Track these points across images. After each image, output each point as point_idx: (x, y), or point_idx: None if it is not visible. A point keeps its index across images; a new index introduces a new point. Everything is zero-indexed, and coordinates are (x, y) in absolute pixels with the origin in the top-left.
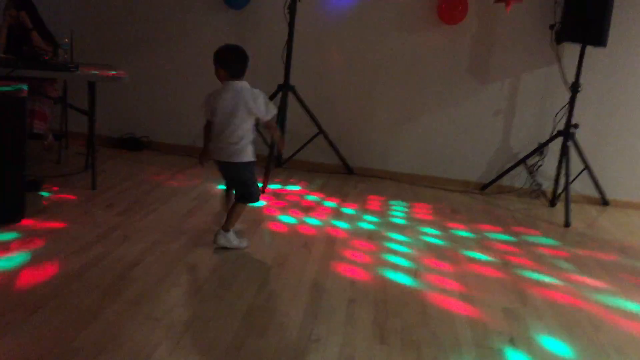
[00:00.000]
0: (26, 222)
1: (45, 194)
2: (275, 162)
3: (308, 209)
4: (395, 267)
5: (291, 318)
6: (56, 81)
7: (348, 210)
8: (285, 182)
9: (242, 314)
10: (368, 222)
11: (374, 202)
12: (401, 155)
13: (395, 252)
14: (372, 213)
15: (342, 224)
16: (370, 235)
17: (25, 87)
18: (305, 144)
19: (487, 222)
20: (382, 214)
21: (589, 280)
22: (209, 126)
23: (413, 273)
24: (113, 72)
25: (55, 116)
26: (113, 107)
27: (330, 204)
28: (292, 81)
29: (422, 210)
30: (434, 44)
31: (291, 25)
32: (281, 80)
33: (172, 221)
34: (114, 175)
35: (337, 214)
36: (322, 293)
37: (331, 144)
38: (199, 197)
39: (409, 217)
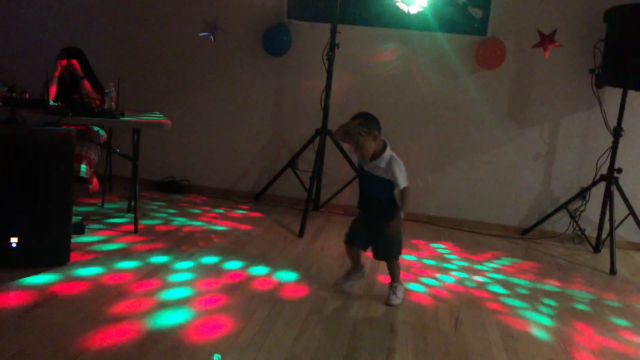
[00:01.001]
0: (71, 264)
1: (91, 238)
2: (313, 205)
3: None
4: (437, 314)
5: None
6: (102, 127)
7: None
8: (322, 226)
9: None
10: (403, 265)
11: (416, 245)
12: (439, 199)
13: (438, 300)
14: (413, 256)
15: (380, 269)
16: (411, 278)
17: (73, 133)
18: (342, 188)
19: (530, 267)
20: (423, 257)
21: None
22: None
23: (454, 320)
24: (156, 119)
25: (100, 160)
26: (155, 151)
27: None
28: (330, 125)
29: (461, 255)
30: (472, 88)
31: (329, 71)
32: (319, 125)
33: (208, 264)
34: (155, 218)
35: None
36: (362, 340)
37: None
38: (236, 241)
39: (451, 261)
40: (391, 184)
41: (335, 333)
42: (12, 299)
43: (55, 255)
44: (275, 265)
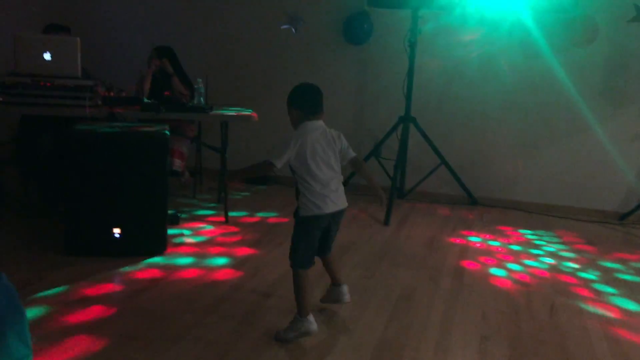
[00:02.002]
0: (167, 253)
1: (186, 231)
2: (397, 193)
3: (432, 241)
4: (529, 302)
5: (421, 352)
6: (193, 122)
7: (474, 238)
8: (407, 214)
9: (371, 348)
10: (497, 253)
11: (503, 232)
12: (529, 184)
13: (528, 286)
14: (501, 243)
15: (468, 257)
16: (499, 265)
17: (167, 128)
18: (427, 175)
19: (629, 253)
20: (511, 243)
21: None
22: (270, 167)
23: (549, 307)
24: (243, 112)
25: (191, 154)
26: (241, 143)
27: (454, 236)
28: (413, 113)
29: (559, 240)
30: (560, 70)
31: (411, 58)
32: (402, 113)
33: None
34: (244, 208)
35: (463, 246)
36: (452, 327)
37: (454, 174)
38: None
39: (539, 247)
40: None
41: (426, 319)
42: (117, 285)
43: (154, 245)
44: (362, 253)
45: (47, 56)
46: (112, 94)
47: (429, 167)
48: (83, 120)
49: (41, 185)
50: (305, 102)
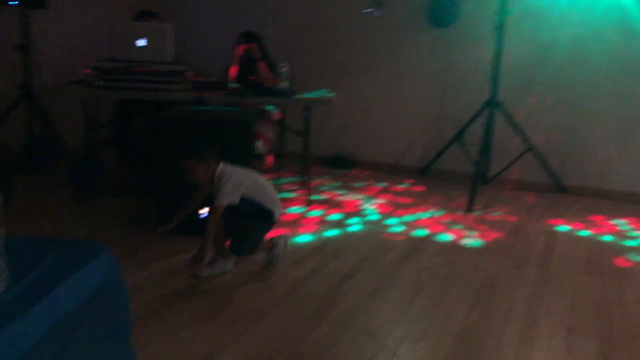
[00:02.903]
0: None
1: None
2: (482, 179)
3: (517, 229)
4: (621, 294)
5: (505, 342)
6: (277, 106)
7: (563, 227)
8: (491, 201)
9: (452, 336)
10: (586, 243)
11: (594, 222)
12: (623, 172)
13: (620, 279)
14: (592, 233)
15: (556, 246)
16: (589, 258)
17: (252, 113)
18: (513, 162)
19: None
20: (602, 234)
21: None
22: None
23: None
24: (326, 96)
25: (274, 138)
26: (324, 127)
27: (541, 224)
28: (501, 97)
29: None
30: None
31: (499, 41)
32: (487, 98)
33: (378, 238)
34: (326, 192)
35: (550, 235)
36: (538, 318)
37: (541, 160)
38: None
39: (633, 239)
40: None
41: (510, 308)
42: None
43: None
44: (444, 239)
45: (141, 43)
46: (201, 78)
47: (515, 153)
48: (174, 104)
49: (134, 167)
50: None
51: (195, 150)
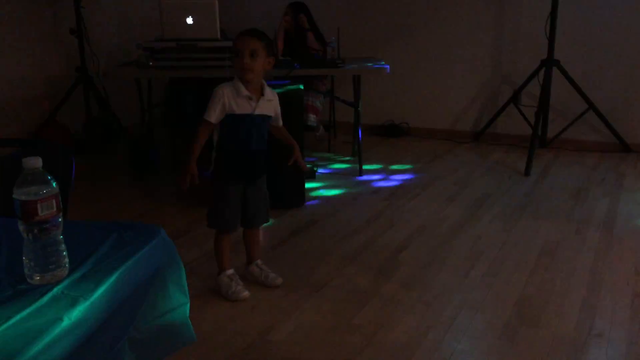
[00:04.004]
0: (306, 206)
1: (320, 183)
2: (539, 142)
3: (579, 192)
4: None
5: (566, 309)
6: (325, 77)
7: (626, 189)
8: (550, 164)
9: (511, 304)
10: None
11: None
12: None
13: None
14: None
15: (620, 208)
16: None
17: (301, 85)
18: (573, 122)
19: None
20: None
21: None
22: None
23: None
24: (375, 65)
25: (324, 108)
26: (374, 96)
27: (603, 186)
28: (557, 55)
29: None
30: None
31: None
32: (543, 56)
33: (433, 207)
34: (378, 161)
35: (613, 197)
36: (601, 285)
37: (603, 119)
38: (458, 182)
39: None
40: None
41: (571, 275)
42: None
43: (293, 198)
44: (500, 206)
45: (189, 20)
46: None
47: (575, 113)
48: (223, 80)
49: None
50: None
51: (269, 40)
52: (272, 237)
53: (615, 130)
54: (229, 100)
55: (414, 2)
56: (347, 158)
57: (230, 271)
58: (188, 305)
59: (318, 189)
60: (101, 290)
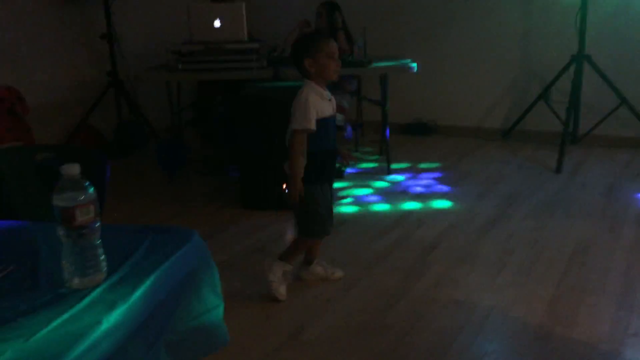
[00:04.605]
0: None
1: (349, 183)
2: (571, 138)
3: (611, 189)
4: None
5: (601, 309)
6: (353, 76)
7: None
8: (582, 160)
9: (545, 303)
10: None
11: None
12: None
13: None
14: None
15: None
16: None
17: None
18: (605, 117)
19: None
20: None
21: None
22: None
23: None
24: (402, 64)
25: (352, 108)
26: (402, 94)
27: (637, 182)
28: (588, 50)
29: None
30: None
31: None
32: (574, 50)
33: (463, 205)
34: (406, 160)
35: None
36: (636, 283)
37: (636, 114)
38: (488, 179)
39: None
40: None
41: (605, 273)
42: (290, 238)
43: None
44: (531, 204)
45: (216, 23)
46: (275, 54)
47: (607, 108)
48: (251, 82)
49: (216, 146)
50: None
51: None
52: None
53: None
54: (316, 105)
55: (441, 1)
56: (375, 157)
57: (290, 267)
58: (222, 307)
59: (346, 188)
60: (138, 293)
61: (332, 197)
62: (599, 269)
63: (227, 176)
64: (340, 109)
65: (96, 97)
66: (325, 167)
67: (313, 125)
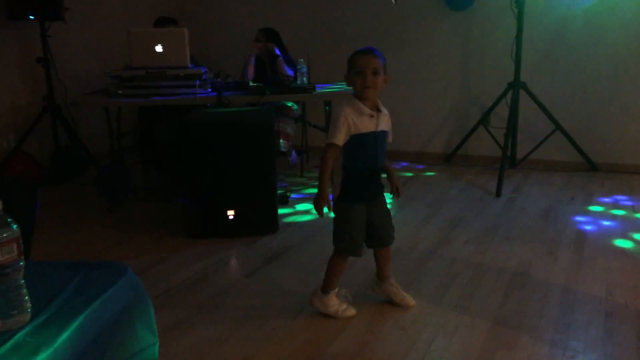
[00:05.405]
0: (279, 232)
1: (294, 209)
2: (509, 162)
3: (549, 211)
4: None
5: (541, 331)
6: (297, 102)
7: (596, 207)
8: (520, 184)
9: (487, 327)
10: (622, 223)
11: (626, 200)
12: None
13: None
14: (626, 211)
15: (590, 227)
16: (624, 238)
17: (273, 111)
18: (541, 142)
19: None
20: (637, 211)
21: None
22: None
23: None
24: (347, 89)
25: (296, 133)
26: None
27: (573, 205)
28: (523, 77)
29: None
30: None
31: (520, 19)
32: (510, 78)
33: (407, 229)
34: None
35: (583, 216)
36: (574, 305)
37: (570, 139)
38: (431, 204)
39: None
40: None
41: (544, 296)
42: (234, 266)
43: (266, 225)
44: (473, 228)
45: (158, 48)
46: (219, 79)
47: (543, 134)
48: (194, 108)
49: (160, 172)
50: None
51: (385, 59)
52: (245, 264)
53: (582, 149)
54: (352, 120)
55: (382, 26)
56: None
57: (336, 290)
58: (157, 345)
59: (291, 214)
60: (65, 335)
61: (381, 216)
62: (539, 291)
63: (170, 204)
64: (284, 135)
65: (31, 122)
66: (364, 185)
67: (340, 141)
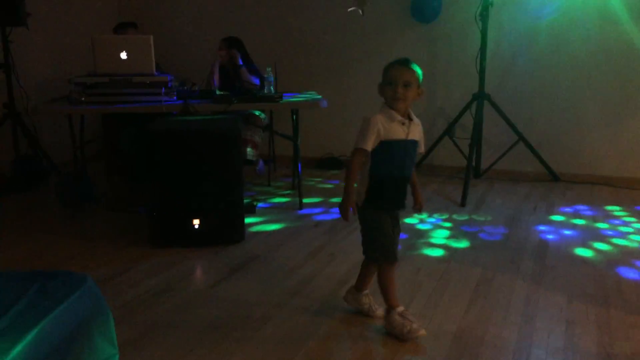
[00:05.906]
0: (245, 242)
1: (261, 217)
2: (474, 173)
3: (512, 221)
4: (619, 283)
5: (504, 340)
6: (263, 111)
7: (557, 217)
8: (484, 194)
9: (451, 335)
10: (583, 231)
11: (588, 209)
12: (614, 158)
13: (617, 267)
14: (586, 220)
15: (552, 236)
16: (585, 247)
17: (239, 119)
18: (504, 153)
19: None
20: (597, 221)
21: None
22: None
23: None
24: (312, 98)
25: (263, 142)
26: (313, 129)
27: (535, 214)
28: (487, 89)
29: None
30: None
31: (484, 32)
32: (475, 90)
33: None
34: (318, 195)
35: (545, 225)
36: (536, 312)
37: (532, 150)
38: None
39: (629, 225)
40: None
41: (507, 304)
42: (199, 276)
43: (232, 234)
44: (439, 236)
45: (123, 55)
46: (185, 88)
47: (506, 145)
48: (159, 115)
49: (123, 180)
50: None
51: (421, 72)
52: (211, 274)
53: (544, 160)
54: (383, 126)
55: (348, 37)
56: (287, 192)
57: (401, 308)
58: (117, 357)
59: (258, 223)
60: (18, 348)
61: (396, 230)
62: (501, 299)
63: (134, 213)
64: (252, 143)
65: None
66: (390, 193)
67: (368, 147)
